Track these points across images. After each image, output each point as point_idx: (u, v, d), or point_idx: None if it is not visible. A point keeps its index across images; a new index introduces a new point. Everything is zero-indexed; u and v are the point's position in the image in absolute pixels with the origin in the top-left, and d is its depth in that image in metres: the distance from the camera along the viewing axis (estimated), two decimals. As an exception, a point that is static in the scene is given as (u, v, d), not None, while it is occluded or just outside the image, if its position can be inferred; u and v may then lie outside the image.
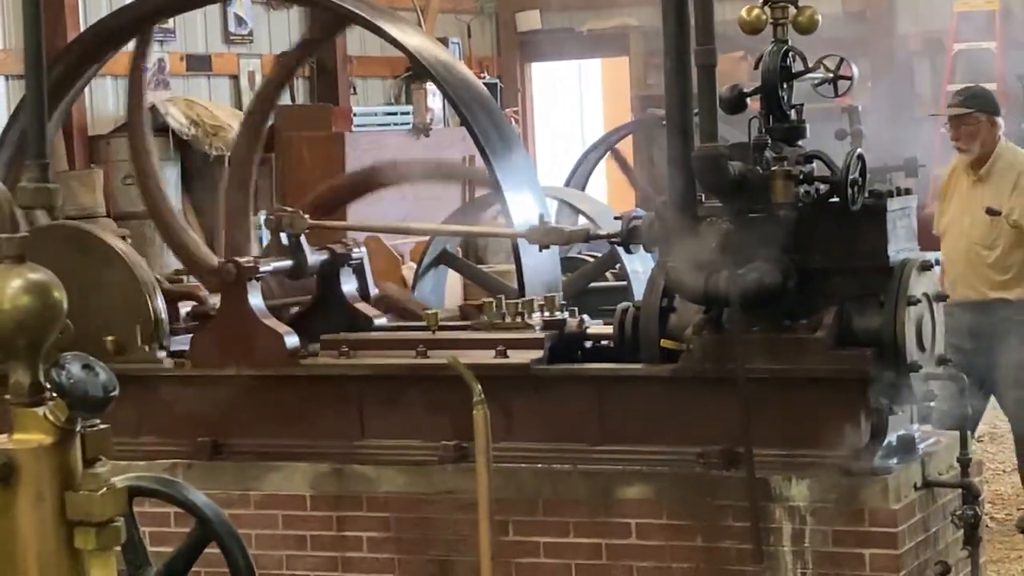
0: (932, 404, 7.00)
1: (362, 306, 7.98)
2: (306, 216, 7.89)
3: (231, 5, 15.02)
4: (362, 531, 7.24)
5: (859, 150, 6.68)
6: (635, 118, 16.97)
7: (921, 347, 6.61)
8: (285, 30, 15.78)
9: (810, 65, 6.78)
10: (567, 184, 13.48)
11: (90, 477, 3.41)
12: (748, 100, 6.74)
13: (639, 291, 7.77)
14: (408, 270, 12.35)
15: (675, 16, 6.67)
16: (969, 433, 6.86)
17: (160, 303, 7.73)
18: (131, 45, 9.00)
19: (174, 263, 9.58)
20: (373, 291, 8.20)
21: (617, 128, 15.63)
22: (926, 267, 6.72)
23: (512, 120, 14.00)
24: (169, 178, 13.16)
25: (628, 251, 7.50)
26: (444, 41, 16.27)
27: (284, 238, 7.85)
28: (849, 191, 6.54)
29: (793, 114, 6.74)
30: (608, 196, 16.72)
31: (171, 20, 13.63)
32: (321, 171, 13.69)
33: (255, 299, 7.54)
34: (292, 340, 7.47)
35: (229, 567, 5.13)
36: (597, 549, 6.88)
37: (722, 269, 6.51)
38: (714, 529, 6.69)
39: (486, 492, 5.51)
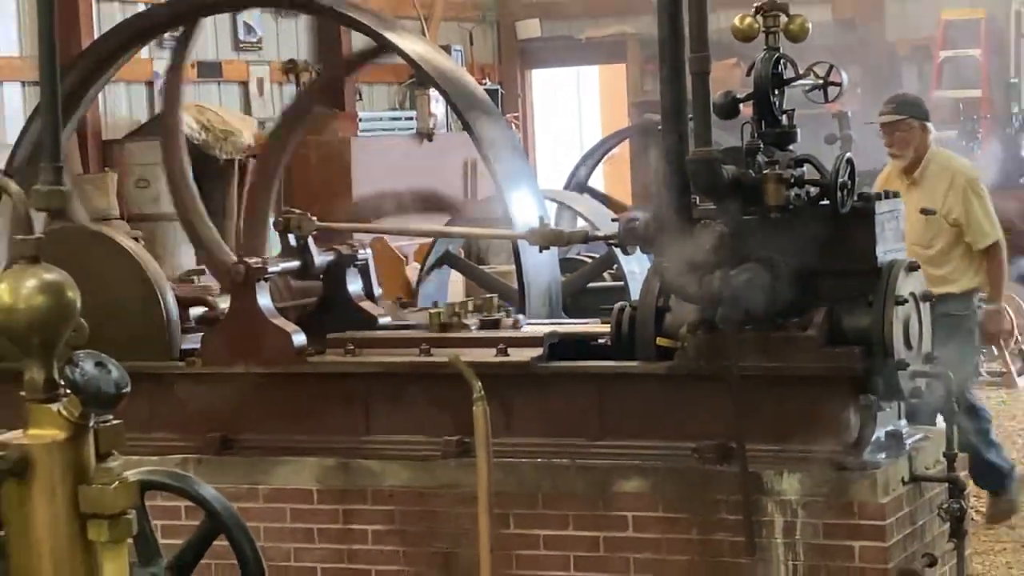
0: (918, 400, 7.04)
1: (367, 305, 7.98)
2: (313, 219, 7.90)
3: (241, 13, 15.02)
4: (367, 524, 7.23)
5: (848, 154, 6.68)
6: (632, 123, 16.96)
7: (908, 345, 6.61)
8: (293, 38, 15.79)
9: (801, 72, 6.78)
10: (566, 187, 13.48)
11: (103, 471, 3.41)
12: (741, 106, 6.73)
13: (636, 291, 7.76)
14: (412, 271, 12.35)
15: (670, 24, 6.67)
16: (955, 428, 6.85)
17: (172, 302, 7.73)
18: (145, 52, 9.02)
19: (186, 264, 9.60)
20: (377, 291, 8.20)
21: (614, 133, 15.62)
22: (913, 268, 6.73)
23: (513, 125, 14.00)
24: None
25: (625, 252, 7.49)
26: (447, 48, 16.27)
27: (292, 239, 7.86)
28: (839, 194, 6.53)
29: (784, 119, 6.73)
30: (604, 199, 16.69)
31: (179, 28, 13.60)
32: (328, 174, 13.68)
33: (263, 299, 7.54)
34: (299, 339, 7.47)
35: (237, 559, 5.13)
36: (595, 541, 6.88)
37: (716, 270, 6.51)
38: (708, 522, 6.69)
39: (486, 486, 5.51)
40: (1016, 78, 14.63)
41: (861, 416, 6.54)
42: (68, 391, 3.38)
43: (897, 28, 17.17)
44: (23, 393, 3.44)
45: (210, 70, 14.92)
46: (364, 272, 8.10)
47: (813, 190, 6.60)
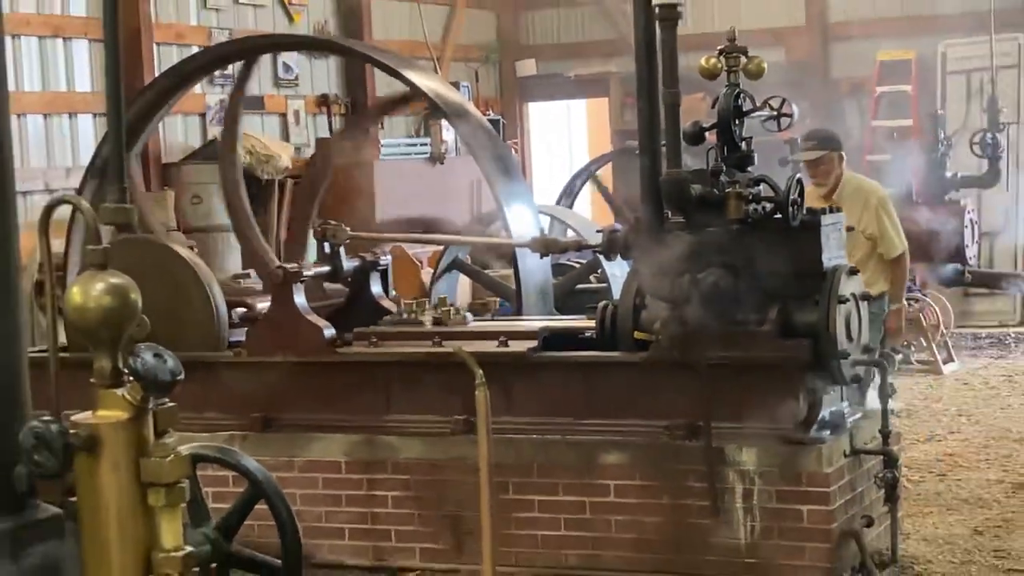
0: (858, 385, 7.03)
1: (387, 303, 7.97)
2: (347, 228, 7.89)
3: (280, 55, 15.00)
4: (388, 491, 7.23)
5: (798, 175, 6.68)
6: (614, 148, 16.93)
7: (849, 338, 6.61)
8: (325, 76, 15.76)
9: (758, 105, 6.77)
10: (557, 203, 13.45)
11: (160, 446, 3.41)
12: (707, 134, 6.72)
13: (617, 292, 7.75)
14: (426, 275, 12.32)
15: (646, 64, 6.68)
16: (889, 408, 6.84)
17: (221, 301, 7.74)
18: (198, 88, 8.99)
19: (233, 269, 9.58)
20: (392, 293, 8.19)
21: (599, 157, 15.58)
22: (854, 272, 6.73)
23: (512, 150, 13.97)
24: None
25: (608, 258, 7.49)
26: (456, 85, 16.23)
27: (327, 247, 7.85)
28: (790, 209, 6.53)
29: (744, 145, 6.73)
30: (591, 213, 16.67)
31: (230, 67, 13.57)
32: (354, 192, 13.65)
33: (299, 298, 7.54)
34: (330, 332, 7.47)
35: (275, 521, 5.12)
36: (582, 505, 6.88)
37: (685, 274, 6.50)
38: (679, 489, 6.68)
39: (486, 458, 5.50)
40: (942, 110, 14.61)
41: (809, 399, 6.54)
42: (131, 378, 3.37)
43: (840, 68, 17.14)
44: (92, 380, 3.43)
45: (254, 103, 14.88)
46: (385, 276, 8.10)
47: (768, 206, 6.60)
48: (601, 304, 7.12)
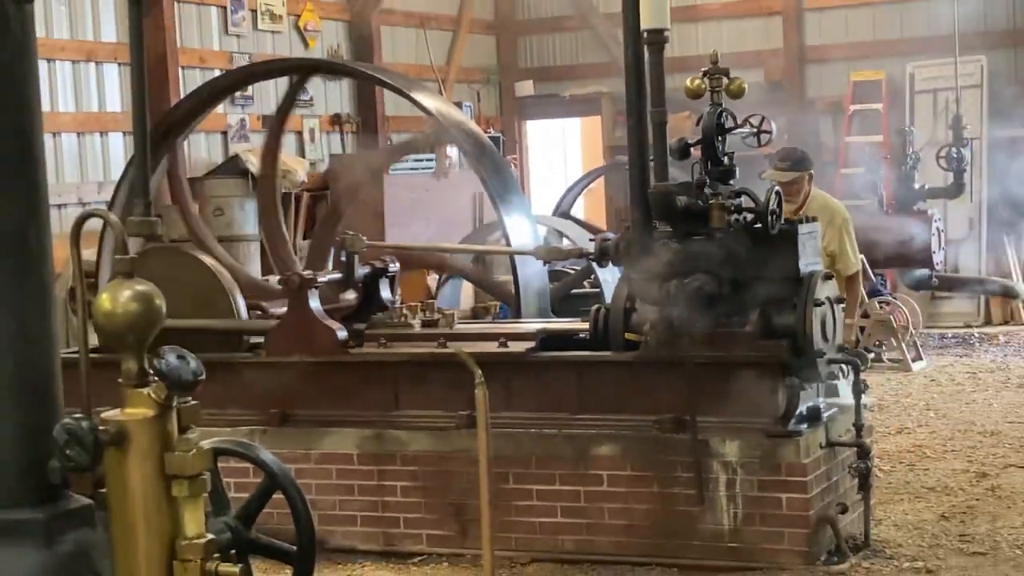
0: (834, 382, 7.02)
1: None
2: (364, 238, 7.87)
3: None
4: (397, 481, 7.21)
5: (776, 188, 6.67)
6: (606, 163, 16.93)
7: (825, 338, 6.59)
8: (338, 96, 15.77)
9: (739, 122, 6.76)
10: (553, 214, 13.44)
11: (183, 441, 3.40)
12: (692, 149, 6.72)
13: (609, 296, 7.74)
14: (431, 280, 12.33)
15: (636, 85, 6.68)
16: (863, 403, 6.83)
17: (242, 305, 7.72)
18: (220, 108, 8.97)
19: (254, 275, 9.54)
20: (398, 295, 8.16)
21: (592, 171, 15.59)
22: (828, 277, 6.71)
23: (512, 165, 13.97)
24: (249, 210, 13.09)
25: (601, 265, 7.47)
26: (459, 104, 16.24)
27: (344, 255, 7.83)
28: (769, 219, 6.52)
29: (726, 160, 6.71)
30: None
31: (250, 88, 13.59)
32: (366, 204, 13.64)
33: (314, 302, 7.52)
34: (342, 334, 7.45)
35: (291, 509, 5.10)
36: (577, 494, 6.86)
37: (672, 279, 6.49)
38: (667, 479, 6.67)
39: (485, 451, 5.48)
40: (911, 126, 14.61)
41: (787, 395, 6.52)
42: (156, 378, 3.37)
43: (815, 88, 17.15)
44: (120, 380, 3.43)
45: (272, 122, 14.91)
46: (393, 281, 8.07)
47: (749, 216, 6.59)
48: (594, 307, 7.11)
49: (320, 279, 7.61)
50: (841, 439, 6.80)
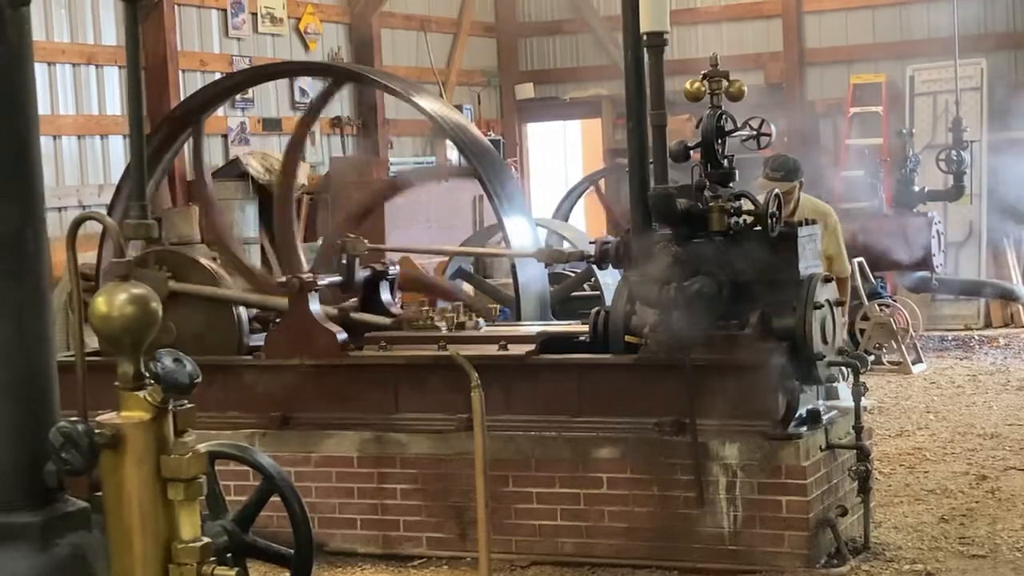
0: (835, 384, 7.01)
1: (396, 311, 7.93)
2: (365, 241, 7.85)
3: (297, 80, 15.01)
4: (397, 484, 7.20)
5: (776, 190, 6.65)
6: (606, 166, 16.93)
7: (824, 341, 6.57)
8: (339, 99, 15.75)
9: (739, 125, 6.75)
10: (553, 216, 13.44)
11: (180, 444, 3.39)
12: (691, 152, 6.70)
13: (609, 299, 7.73)
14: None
15: (636, 87, 6.67)
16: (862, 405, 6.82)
17: (243, 308, 7.71)
18: (220, 110, 8.96)
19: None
20: (398, 298, 8.14)
21: (592, 173, 15.58)
22: (828, 280, 6.69)
23: (512, 168, 13.95)
24: (249, 213, 13.09)
25: (601, 267, 7.45)
26: (459, 107, 16.24)
27: (344, 258, 7.81)
28: (769, 222, 6.50)
29: (726, 163, 6.70)
30: (585, 225, 16.66)
31: (250, 91, 13.58)
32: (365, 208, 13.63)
33: (314, 305, 7.50)
34: (343, 337, 7.44)
35: (288, 512, 5.09)
36: (577, 497, 6.84)
37: (672, 282, 6.47)
38: (667, 481, 6.65)
39: (481, 453, 5.48)
40: (914, 128, 14.61)
41: (787, 397, 6.50)
42: (152, 381, 3.35)
43: (815, 90, 17.14)
44: (116, 383, 3.41)
45: (272, 125, 14.90)
46: (393, 285, 8.05)
47: (749, 219, 6.57)
48: (594, 310, 7.10)
49: (320, 282, 7.59)
50: (841, 442, 6.78)
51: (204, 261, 7.79)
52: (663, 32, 6.56)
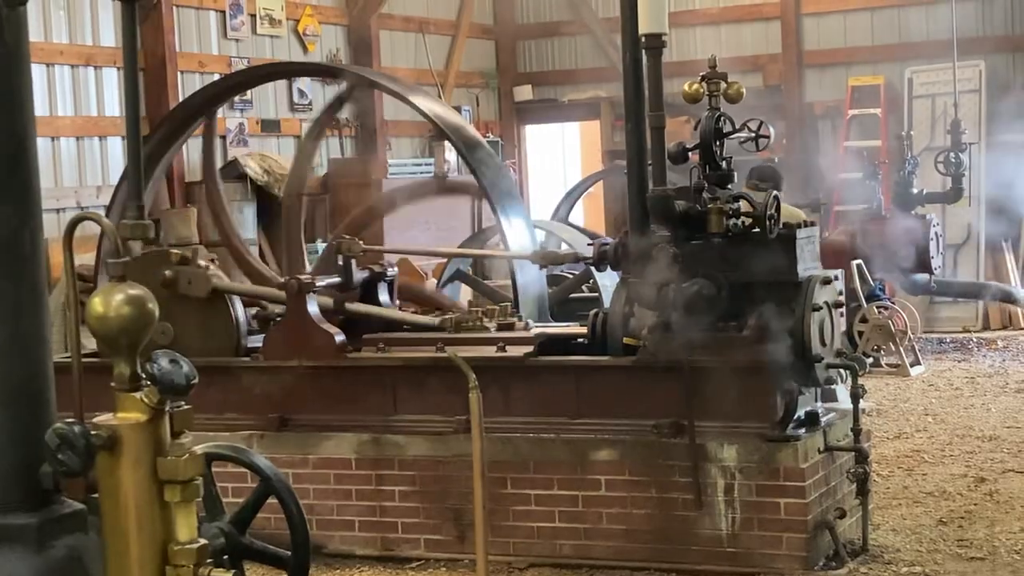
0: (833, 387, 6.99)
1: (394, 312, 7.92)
2: (360, 242, 7.84)
3: (295, 81, 15.00)
4: (395, 486, 7.19)
5: (775, 192, 6.64)
6: (605, 167, 16.92)
7: (823, 343, 6.56)
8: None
9: (737, 127, 6.74)
10: (552, 218, 13.43)
11: (176, 446, 3.37)
12: (690, 154, 6.69)
13: (607, 300, 7.71)
14: (431, 285, 12.28)
15: (634, 89, 6.65)
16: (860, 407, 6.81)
17: (240, 310, 7.69)
18: (219, 112, 8.94)
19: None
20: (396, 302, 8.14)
21: (591, 175, 15.58)
22: (827, 282, 6.68)
23: (510, 170, 13.94)
24: (247, 215, 13.07)
25: (599, 269, 7.44)
26: (458, 109, 16.23)
27: (340, 259, 7.80)
28: (767, 224, 6.50)
29: (724, 164, 6.69)
30: (584, 226, 16.64)
31: (249, 92, 13.57)
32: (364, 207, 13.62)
33: (312, 307, 7.49)
34: (341, 338, 7.43)
35: (284, 513, 5.08)
36: (575, 499, 6.84)
37: (670, 283, 6.46)
38: (665, 483, 6.65)
39: (479, 455, 5.46)
40: (912, 130, 14.60)
41: (785, 399, 6.50)
42: (148, 382, 3.34)
43: (814, 92, 17.13)
44: (113, 384, 3.40)
45: (270, 126, 14.89)
46: (392, 286, 8.05)
47: (747, 220, 6.56)
48: (592, 312, 7.09)
49: (319, 283, 7.58)
50: (839, 444, 6.77)
51: (203, 262, 7.77)
52: (662, 34, 6.55)
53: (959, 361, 13.20)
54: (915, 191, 13.14)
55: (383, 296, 7.96)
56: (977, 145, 14.92)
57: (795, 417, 6.53)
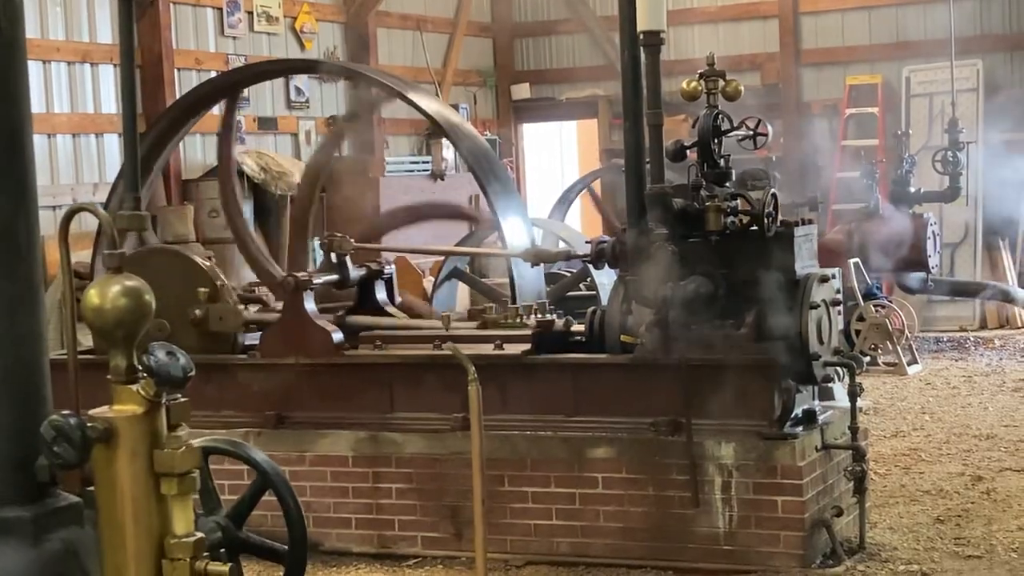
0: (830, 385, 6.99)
1: (391, 310, 7.92)
2: (351, 240, 7.84)
3: (292, 79, 14.99)
4: (392, 483, 7.19)
5: (772, 190, 6.64)
6: (602, 166, 16.91)
7: (821, 341, 6.57)
8: (333, 98, 15.74)
9: (735, 125, 6.74)
10: (550, 216, 13.41)
11: (173, 439, 3.36)
12: (688, 152, 6.69)
13: (605, 298, 7.71)
14: (427, 283, 12.28)
15: (632, 88, 6.64)
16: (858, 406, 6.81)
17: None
18: (216, 108, 8.93)
19: (248, 277, 9.50)
20: (398, 299, 8.13)
21: (589, 174, 15.56)
22: (824, 279, 6.68)
23: (508, 168, 13.93)
24: (244, 212, 13.02)
25: (596, 267, 7.43)
26: (456, 107, 16.21)
27: (334, 257, 7.79)
28: (765, 221, 6.50)
29: (722, 162, 6.69)
30: (581, 225, 16.65)
31: (246, 90, 13.54)
32: (361, 206, 13.63)
33: (310, 304, 7.49)
34: (338, 336, 7.43)
35: (281, 508, 5.07)
36: (572, 497, 6.83)
37: (668, 281, 6.46)
38: (662, 481, 6.64)
39: (478, 450, 5.45)
40: (910, 129, 14.60)
41: (783, 397, 6.50)
42: (145, 375, 3.33)
43: (811, 91, 17.13)
44: (109, 376, 3.39)
45: (267, 124, 14.88)
46: (388, 284, 8.04)
47: (745, 218, 6.56)
48: (590, 310, 7.09)
49: (316, 281, 7.57)
50: (837, 442, 6.77)
51: (200, 260, 7.77)
52: (660, 32, 6.54)
53: (956, 360, 13.20)
54: (912, 190, 13.15)
55: (380, 295, 7.95)
56: (974, 144, 14.92)
57: (792, 415, 6.53)
